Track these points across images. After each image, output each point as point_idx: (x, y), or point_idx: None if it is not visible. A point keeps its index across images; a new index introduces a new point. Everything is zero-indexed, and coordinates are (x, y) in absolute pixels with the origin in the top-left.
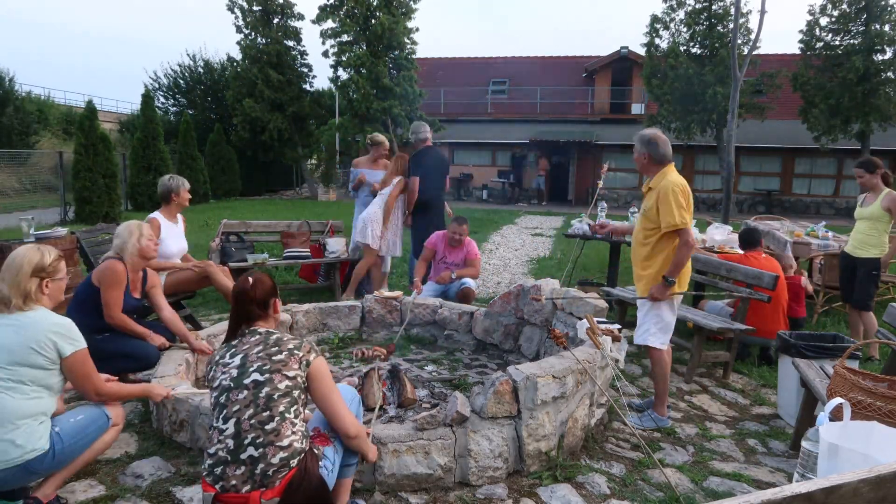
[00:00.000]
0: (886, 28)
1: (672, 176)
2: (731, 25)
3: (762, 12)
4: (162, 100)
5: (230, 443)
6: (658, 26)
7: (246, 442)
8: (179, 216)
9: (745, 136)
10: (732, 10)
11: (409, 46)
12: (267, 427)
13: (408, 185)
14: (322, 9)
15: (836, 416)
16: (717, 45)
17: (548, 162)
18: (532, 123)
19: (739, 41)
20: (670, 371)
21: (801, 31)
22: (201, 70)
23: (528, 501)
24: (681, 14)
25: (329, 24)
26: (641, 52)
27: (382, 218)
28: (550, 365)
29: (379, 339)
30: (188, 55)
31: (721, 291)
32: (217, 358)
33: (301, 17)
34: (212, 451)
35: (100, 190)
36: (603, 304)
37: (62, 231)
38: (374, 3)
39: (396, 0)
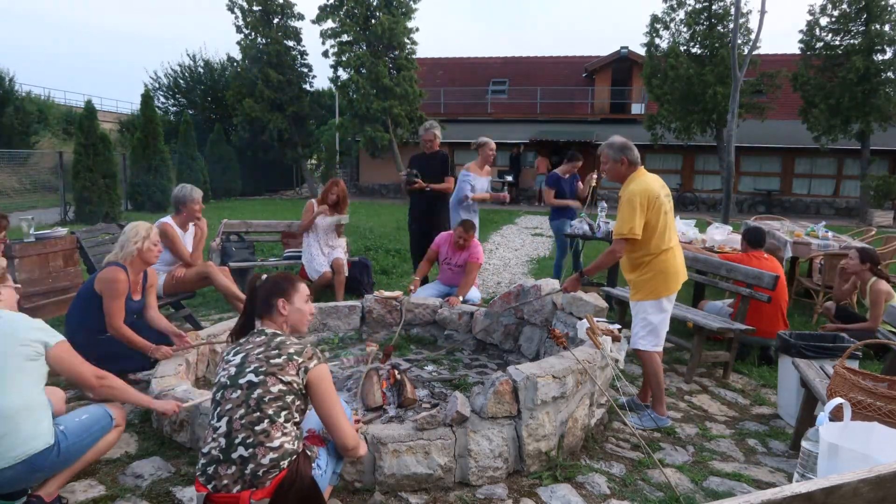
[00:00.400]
0: (886, 28)
1: (636, 182)
2: (731, 25)
3: (762, 12)
4: (162, 100)
5: (222, 441)
6: (658, 26)
7: (237, 441)
8: (191, 225)
9: (745, 136)
10: (732, 10)
11: (409, 46)
12: (257, 428)
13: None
14: (322, 9)
15: (836, 416)
16: (717, 45)
17: (548, 162)
18: (532, 123)
19: (739, 41)
20: (662, 371)
21: (801, 31)
22: (201, 70)
23: (528, 501)
24: (681, 14)
25: (329, 24)
26: (641, 52)
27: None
28: (550, 365)
29: (379, 339)
30: (188, 55)
31: (723, 291)
32: (224, 354)
33: (301, 17)
34: (205, 450)
35: (100, 190)
36: (603, 303)
37: (62, 231)
38: (374, 3)
39: (396, 0)
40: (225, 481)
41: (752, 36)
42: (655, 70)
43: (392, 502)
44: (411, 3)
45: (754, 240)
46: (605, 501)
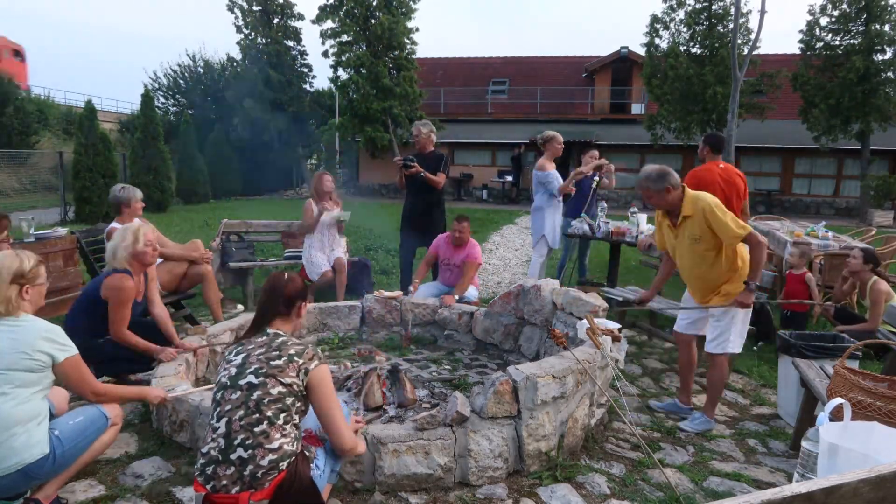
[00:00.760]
0: (886, 28)
1: (700, 198)
2: (731, 25)
3: (762, 12)
4: (162, 100)
5: (221, 442)
6: (658, 26)
7: (236, 443)
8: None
9: (745, 136)
10: (732, 10)
11: (409, 46)
12: (256, 429)
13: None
14: (322, 9)
15: (836, 416)
16: (717, 45)
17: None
18: (532, 123)
19: (739, 41)
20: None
21: (801, 31)
22: (201, 70)
23: (528, 501)
24: (681, 14)
25: (329, 24)
26: (641, 52)
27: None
28: (550, 365)
29: (379, 339)
30: (188, 55)
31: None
32: (226, 354)
33: (301, 17)
34: (204, 450)
35: (100, 190)
36: (603, 303)
37: (62, 231)
38: (374, 3)
39: (396, 0)
40: (224, 482)
41: (752, 36)
42: (655, 70)
43: (392, 502)
44: (411, 3)
45: (716, 145)
46: (605, 501)
